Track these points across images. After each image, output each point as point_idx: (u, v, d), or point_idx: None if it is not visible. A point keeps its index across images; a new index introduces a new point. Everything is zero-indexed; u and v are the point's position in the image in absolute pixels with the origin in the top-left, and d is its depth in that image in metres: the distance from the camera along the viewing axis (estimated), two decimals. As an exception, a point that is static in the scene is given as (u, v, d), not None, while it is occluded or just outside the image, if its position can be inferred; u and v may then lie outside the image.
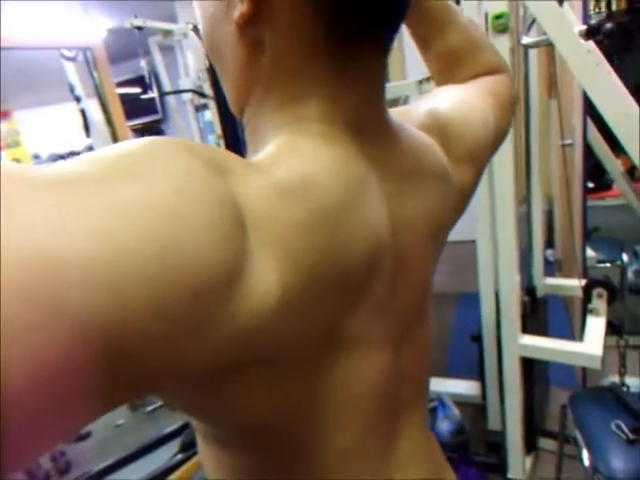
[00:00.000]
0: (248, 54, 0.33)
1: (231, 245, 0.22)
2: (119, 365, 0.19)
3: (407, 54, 3.61)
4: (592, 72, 1.08)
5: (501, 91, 0.51)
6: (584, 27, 1.10)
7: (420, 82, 1.50)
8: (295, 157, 0.29)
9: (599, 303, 1.34)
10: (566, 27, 1.09)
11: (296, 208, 0.26)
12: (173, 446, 1.73)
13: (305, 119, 0.32)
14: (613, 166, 1.93)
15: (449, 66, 0.52)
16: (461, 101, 0.47)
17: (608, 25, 1.22)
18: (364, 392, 0.34)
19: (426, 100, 0.47)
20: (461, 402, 1.77)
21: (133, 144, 0.23)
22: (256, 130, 0.35)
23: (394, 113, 0.46)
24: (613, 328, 1.38)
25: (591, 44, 1.13)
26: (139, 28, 2.53)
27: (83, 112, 1.75)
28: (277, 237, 0.25)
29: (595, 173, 2.24)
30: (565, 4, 1.17)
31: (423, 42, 0.53)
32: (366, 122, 0.35)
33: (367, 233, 0.31)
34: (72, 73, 1.76)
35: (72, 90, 1.75)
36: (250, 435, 0.32)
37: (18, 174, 0.19)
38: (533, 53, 1.54)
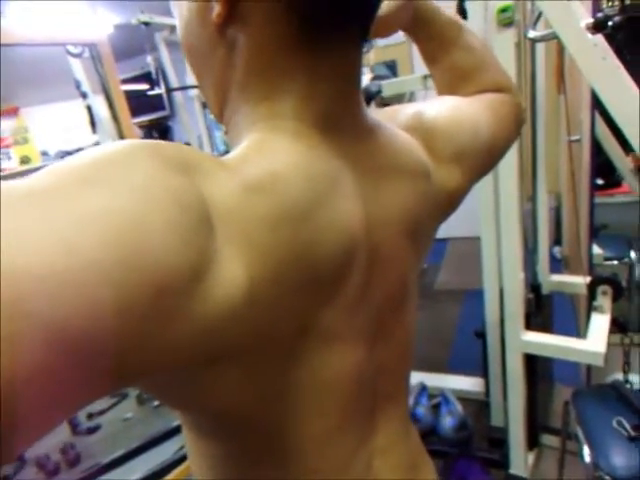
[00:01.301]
0: (225, 54, 0.34)
1: (194, 245, 0.23)
2: (95, 363, 0.20)
3: (415, 49, 3.58)
4: (599, 67, 1.06)
5: (499, 108, 0.51)
6: (591, 20, 1.09)
7: (425, 77, 1.49)
8: (265, 154, 0.30)
9: (604, 300, 1.33)
10: (573, 20, 1.08)
11: (262, 204, 0.27)
12: (179, 440, 1.76)
13: (278, 115, 0.33)
14: (622, 163, 1.90)
15: (454, 82, 0.53)
16: (452, 106, 0.47)
17: (616, 18, 1.20)
18: (338, 382, 0.35)
19: (417, 104, 0.47)
20: (465, 398, 1.77)
21: (98, 152, 0.24)
22: (235, 129, 0.36)
23: (382, 113, 0.47)
24: (618, 325, 1.37)
25: (599, 38, 1.11)
26: (146, 24, 2.54)
27: (89, 109, 1.77)
28: (243, 233, 0.26)
29: (605, 170, 2.21)
30: (573, -2, 1.16)
31: (430, 57, 0.54)
32: (340, 116, 0.35)
33: (339, 229, 0.31)
34: (78, 70, 1.78)
35: (78, 87, 1.77)
36: (225, 422, 0.33)
37: None
38: (541, 47, 1.52)
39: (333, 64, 0.34)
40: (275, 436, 0.34)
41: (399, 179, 0.38)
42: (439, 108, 0.46)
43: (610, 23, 1.12)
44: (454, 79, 0.53)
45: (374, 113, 0.45)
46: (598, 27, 1.07)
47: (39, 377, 0.18)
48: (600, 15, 1.10)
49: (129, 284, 0.21)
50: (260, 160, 0.30)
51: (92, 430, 1.85)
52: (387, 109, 0.48)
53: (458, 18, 0.52)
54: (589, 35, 1.07)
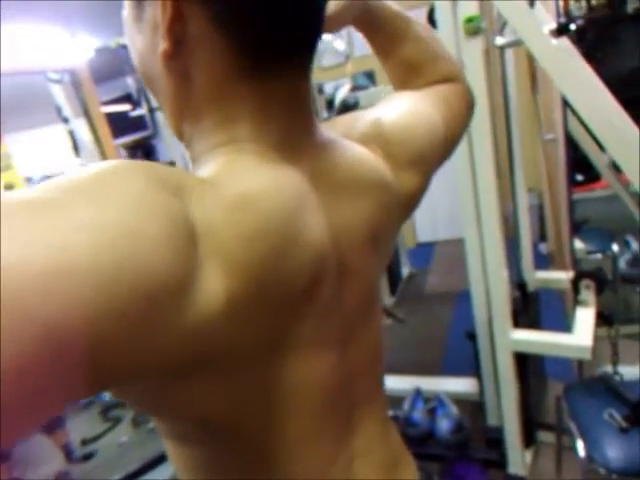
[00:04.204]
0: (176, 85, 0.36)
1: (180, 258, 0.25)
2: (80, 362, 0.21)
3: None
4: (564, 69, 1.10)
5: (453, 99, 0.53)
6: (554, 25, 1.13)
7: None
8: (237, 175, 0.32)
9: (587, 294, 1.35)
10: (535, 26, 1.11)
11: (239, 221, 0.29)
12: (177, 460, 1.74)
13: (238, 139, 0.35)
14: (598, 158, 1.95)
15: (406, 74, 0.54)
16: (408, 110, 0.48)
17: (579, 21, 1.25)
18: (313, 389, 0.37)
19: (374, 109, 0.49)
20: (460, 400, 1.77)
21: (96, 170, 0.26)
22: (195, 151, 0.38)
23: (338, 123, 0.48)
24: (604, 318, 1.40)
25: (563, 41, 1.15)
26: (125, 46, 2.56)
27: (71, 133, 1.78)
28: (222, 248, 0.28)
29: (584, 165, 2.27)
30: (537, 3, 1.20)
31: (381, 51, 0.55)
32: (295, 137, 0.37)
33: (308, 242, 0.33)
34: (59, 95, 1.79)
35: (59, 112, 1.77)
36: (203, 429, 0.34)
37: None
38: (510, 51, 1.57)
39: (281, 89, 0.36)
40: (252, 442, 0.35)
41: (357, 193, 0.40)
42: (396, 114, 0.47)
43: (572, 26, 1.16)
44: (406, 72, 0.54)
45: (330, 124, 0.47)
46: (561, 31, 1.11)
47: (24, 371, 0.19)
48: (562, 19, 1.14)
49: (119, 290, 0.22)
50: (235, 179, 0.32)
51: (87, 457, 1.82)
52: (343, 118, 0.50)
53: (404, 11, 0.53)
54: (552, 39, 1.11)
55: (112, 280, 0.22)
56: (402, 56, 0.53)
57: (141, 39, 0.36)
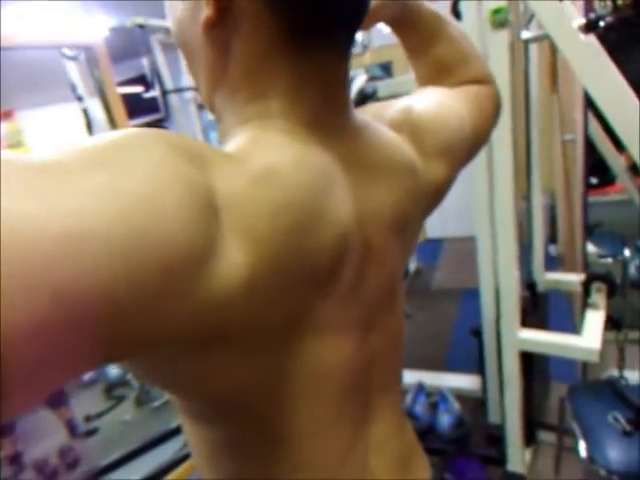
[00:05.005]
0: (215, 55, 0.35)
1: (200, 228, 0.25)
2: (93, 329, 0.21)
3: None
4: (591, 66, 1.08)
5: (482, 100, 0.53)
6: (583, 21, 1.10)
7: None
8: (263, 149, 0.32)
9: (598, 297, 1.34)
10: (564, 21, 1.09)
11: (264, 195, 0.29)
12: (178, 441, 1.76)
13: (269, 115, 0.35)
14: (616, 162, 1.92)
15: (437, 74, 0.54)
16: (439, 102, 0.49)
17: (608, 18, 1.22)
18: (331, 372, 0.36)
19: (405, 99, 0.49)
20: (462, 396, 1.78)
21: (112, 137, 0.25)
22: (225, 123, 0.37)
23: (370, 110, 0.48)
24: (613, 322, 1.39)
25: (591, 38, 1.13)
26: (141, 26, 2.54)
27: (85, 111, 1.77)
28: (246, 222, 0.28)
29: (599, 168, 2.23)
30: (565, -2, 1.17)
31: (412, 50, 0.55)
32: (327, 117, 0.37)
33: (333, 220, 0.33)
34: (74, 73, 1.77)
35: (74, 90, 1.76)
36: (220, 408, 0.34)
37: (14, 162, 0.21)
38: (534, 47, 1.54)
39: (318, 69, 0.35)
40: (268, 425, 0.35)
41: (386, 177, 0.40)
42: (426, 104, 0.47)
43: (602, 23, 1.14)
44: (437, 72, 0.54)
45: (362, 111, 0.47)
46: (590, 27, 1.09)
47: (33, 335, 0.18)
48: (592, 15, 1.11)
49: (137, 257, 0.21)
50: (259, 154, 0.31)
51: (90, 433, 1.85)
52: (375, 106, 0.50)
53: (439, 11, 0.53)
54: (581, 35, 1.09)
55: (128, 247, 0.21)
56: (434, 56, 0.53)
57: (182, 6, 0.36)
